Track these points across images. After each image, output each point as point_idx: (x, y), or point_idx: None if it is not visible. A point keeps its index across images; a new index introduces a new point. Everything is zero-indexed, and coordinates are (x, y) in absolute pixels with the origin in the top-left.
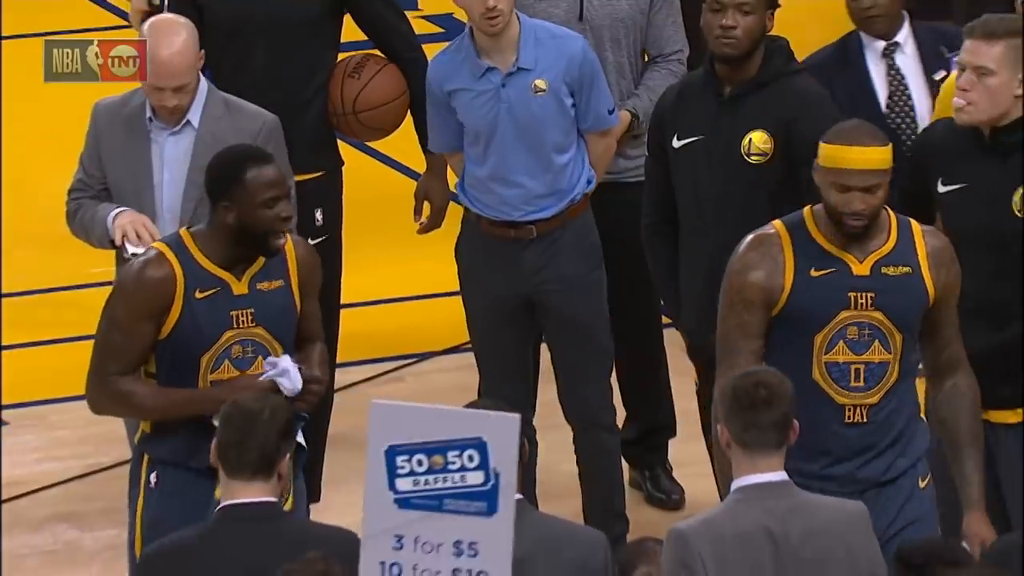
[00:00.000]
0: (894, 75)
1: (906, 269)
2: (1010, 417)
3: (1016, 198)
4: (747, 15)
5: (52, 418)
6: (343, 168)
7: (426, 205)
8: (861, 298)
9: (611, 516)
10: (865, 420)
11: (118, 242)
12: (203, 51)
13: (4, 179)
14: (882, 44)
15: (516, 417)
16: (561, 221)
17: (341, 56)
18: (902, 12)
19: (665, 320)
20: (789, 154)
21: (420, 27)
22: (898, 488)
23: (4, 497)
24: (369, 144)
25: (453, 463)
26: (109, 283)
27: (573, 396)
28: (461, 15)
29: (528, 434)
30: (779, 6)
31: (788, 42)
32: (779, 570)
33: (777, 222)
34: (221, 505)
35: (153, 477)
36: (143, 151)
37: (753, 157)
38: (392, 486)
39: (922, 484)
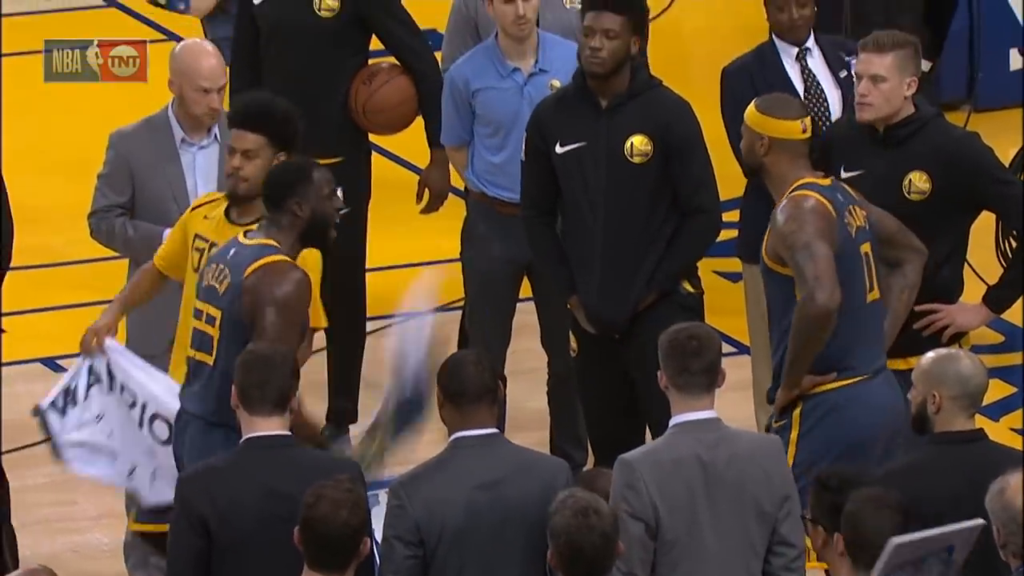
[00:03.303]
0: (808, 74)
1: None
2: (900, 365)
3: (905, 183)
4: (613, 39)
5: None
6: (367, 155)
7: (427, 192)
8: None
9: (575, 446)
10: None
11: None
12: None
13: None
14: (795, 50)
15: (981, 523)
16: None
17: (373, 61)
18: (812, 24)
19: None
20: (666, 152)
21: None
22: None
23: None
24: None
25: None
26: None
27: (559, 345)
28: (442, 29)
29: (500, 374)
30: (644, 33)
31: (645, 59)
32: (709, 490)
33: None
34: (245, 438)
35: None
36: (177, 166)
37: (636, 158)
38: None
39: (775, 423)
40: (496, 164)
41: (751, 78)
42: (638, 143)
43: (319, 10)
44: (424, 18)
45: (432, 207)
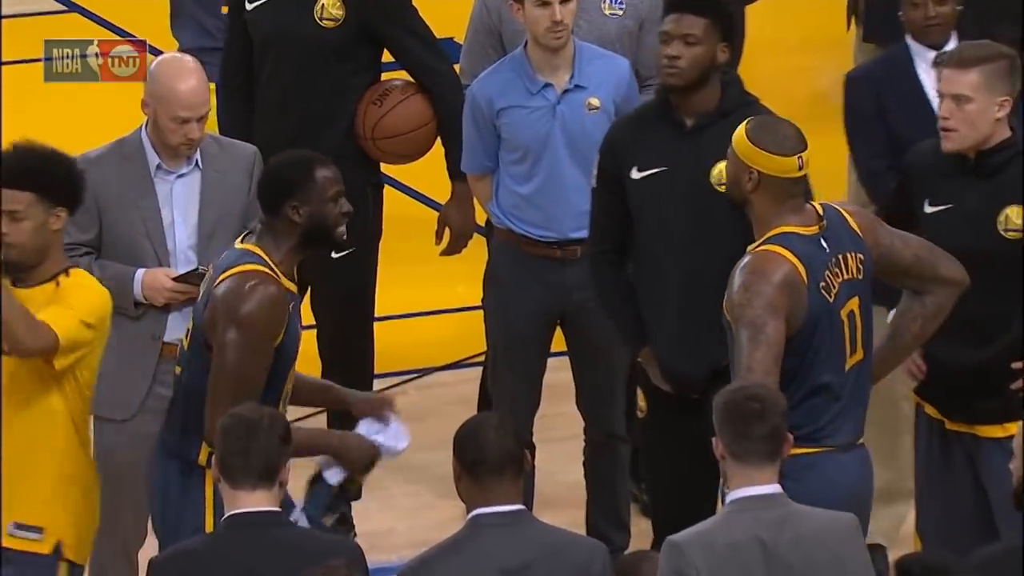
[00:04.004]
0: None
1: None
2: (996, 431)
3: (1000, 218)
4: (692, 46)
5: None
6: (378, 188)
7: (447, 231)
8: None
9: (615, 527)
10: None
11: (160, 303)
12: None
13: None
14: (932, 53)
15: None
16: None
17: (386, 76)
18: (953, 24)
19: None
20: None
21: None
22: None
23: None
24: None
25: None
26: None
27: (600, 408)
28: (461, 38)
29: (528, 441)
30: (739, 37)
31: (737, 74)
32: None
33: None
34: (226, 515)
35: None
36: (151, 197)
37: (724, 187)
38: None
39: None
40: (524, 196)
41: (877, 87)
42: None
43: (320, 19)
44: (440, 26)
45: (454, 248)
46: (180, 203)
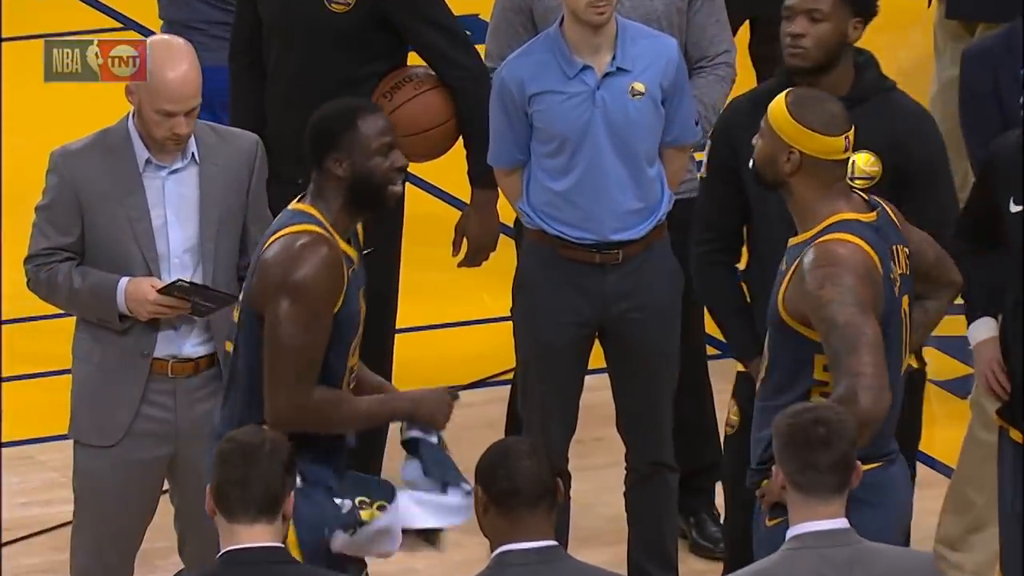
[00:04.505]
0: None
1: (784, 269)
2: None
3: None
4: (818, 23)
5: (40, 458)
6: None
7: (464, 242)
8: None
9: (661, 566)
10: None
11: (144, 318)
12: None
13: None
14: None
15: None
16: (647, 243)
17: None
18: None
19: (711, 350)
20: (900, 178)
21: None
22: None
23: None
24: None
25: None
26: None
27: (643, 433)
28: (486, 16)
29: (562, 469)
30: (874, 14)
31: (873, 54)
32: None
33: None
34: (223, 552)
35: (298, 479)
36: (139, 196)
37: (857, 181)
38: None
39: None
40: (559, 192)
41: (994, 65)
42: (861, 163)
43: (330, 3)
44: (463, 2)
45: (472, 262)
46: (174, 202)
